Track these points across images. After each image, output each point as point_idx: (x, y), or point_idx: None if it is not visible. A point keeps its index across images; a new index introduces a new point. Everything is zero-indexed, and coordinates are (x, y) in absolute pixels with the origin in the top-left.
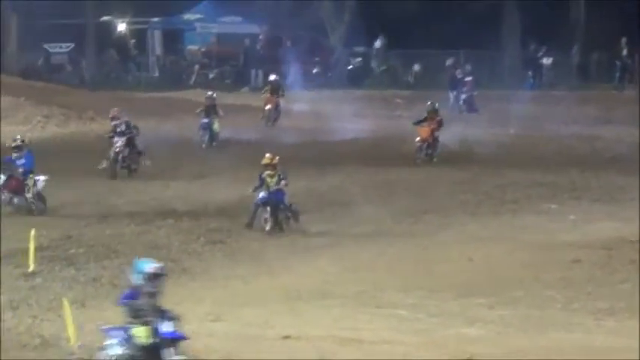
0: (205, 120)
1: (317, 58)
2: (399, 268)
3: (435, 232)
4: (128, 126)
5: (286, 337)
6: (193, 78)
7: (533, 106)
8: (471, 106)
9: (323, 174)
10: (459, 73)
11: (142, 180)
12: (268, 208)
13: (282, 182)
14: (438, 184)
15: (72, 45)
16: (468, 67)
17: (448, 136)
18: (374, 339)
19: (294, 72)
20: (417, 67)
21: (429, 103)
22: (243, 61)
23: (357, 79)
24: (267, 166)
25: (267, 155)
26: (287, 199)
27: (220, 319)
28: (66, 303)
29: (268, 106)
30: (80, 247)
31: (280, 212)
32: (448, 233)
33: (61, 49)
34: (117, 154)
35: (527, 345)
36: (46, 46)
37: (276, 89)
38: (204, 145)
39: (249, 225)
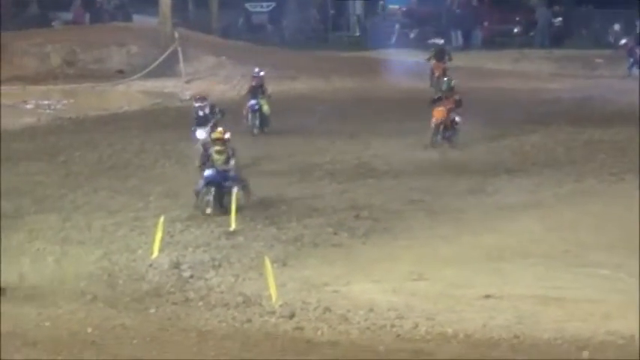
0: (253, 102)
1: (517, 18)
2: (602, 228)
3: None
4: (212, 110)
5: (487, 297)
6: (394, 38)
7: None
8: None
9: (525, 133)
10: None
11: (343, 139)
12: (213, 189)
13: (231, 162)
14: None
15: (273, 4)
16: None
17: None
18: (575, 298)
19: (494, 31)
20: (617, 27)
21: (445, 79)
22: (444, 21)
23: (558, 39)
24: (216, 141)
25: (219, 129)
26: (237, 177)
27: (422, 279)
28: (267, 262)
29: (436, 74)
30: (281, 206)
31: (227, 194)
32: None
33: (262, 8)
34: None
35: None
36: (247, 5)
37: (442, 54)
38: (255, 131)
39: (198, 207)
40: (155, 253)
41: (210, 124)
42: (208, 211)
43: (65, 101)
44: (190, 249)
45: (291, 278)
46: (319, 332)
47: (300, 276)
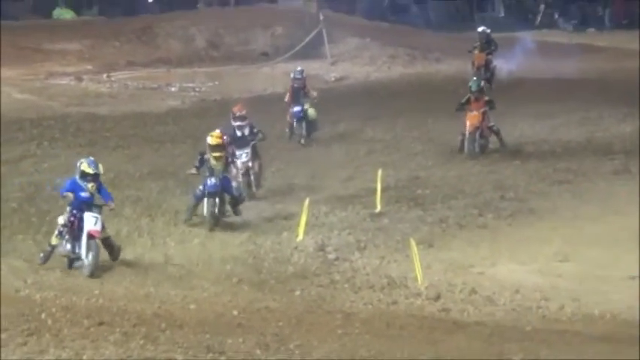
0: (298, 109)
1: None
2: None
3: None
4: (252, 131)
5: (633, 278)
6: (539, 18)
7: None
8: None
9: None
10: None
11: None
12: (217, 201)
13: (234, 170)
14: None
15: None
16: None
17: None
18: None
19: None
20: None
21: (474, 78)
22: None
23: None
24: (214, 147)
25: (215, 133)
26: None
27: (568, 260)
28: (413, 243)
29: (476, 65)
30: (427, 188)
31: (223, 203)
32: None
33: None
34: (246, 174)
35: None
36: None
37: (487, 44)
38: (302, 141)
39: (188, 220)
40: (300, 236)
41: (250, 147)
42: (210, 224)
43: (210, 83)
44: (336, 231)
45: (437, 260)
46: (465, 314)
47: (446, 257)
